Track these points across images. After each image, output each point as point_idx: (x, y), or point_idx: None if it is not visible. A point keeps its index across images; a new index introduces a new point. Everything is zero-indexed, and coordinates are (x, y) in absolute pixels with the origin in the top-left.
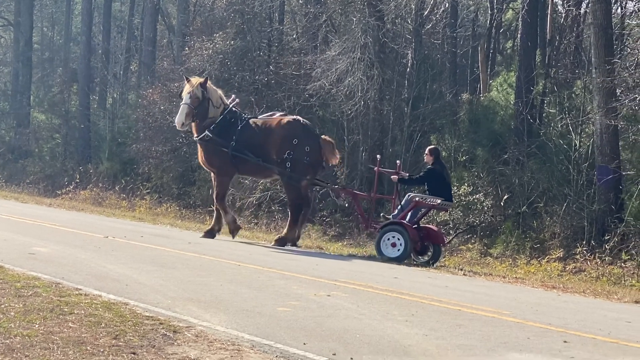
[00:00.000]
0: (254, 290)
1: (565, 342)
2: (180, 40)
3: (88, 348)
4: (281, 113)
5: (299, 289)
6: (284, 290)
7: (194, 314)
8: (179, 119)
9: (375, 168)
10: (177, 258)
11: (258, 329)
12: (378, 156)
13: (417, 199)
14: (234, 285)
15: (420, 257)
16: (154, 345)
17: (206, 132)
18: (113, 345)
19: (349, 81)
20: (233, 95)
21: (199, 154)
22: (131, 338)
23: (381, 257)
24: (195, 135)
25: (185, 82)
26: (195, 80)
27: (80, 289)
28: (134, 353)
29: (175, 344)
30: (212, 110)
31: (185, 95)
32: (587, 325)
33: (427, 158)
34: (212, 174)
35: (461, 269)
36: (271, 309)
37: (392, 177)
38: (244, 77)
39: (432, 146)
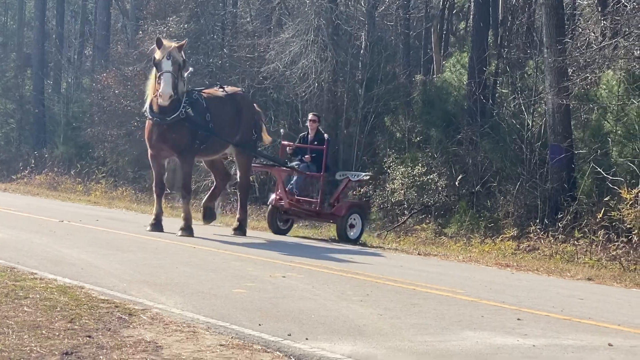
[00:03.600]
0: (209, 272)
1: (518, 319)
2: (134, 24)
3: (43, 332)
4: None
5: (255, 270)
6: (239, 272)
7: (149, 296)
8: (167, 90)
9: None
10: (133, 241)
11: (214, 310)
12: (282, 130)
13: (353, 177)
14: (189, 267)
15: (283, 227)
16: (110, 328)
17: (184, 110)
18: (68, 329)
19: (303, 63)
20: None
21: (155, 134)
22: (87, 321)
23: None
24: (153, 111)
25: (156, 45)
26: (169, 42)
27: (36, 273)
28: (89, 336)
29: (131, 326)
30: (182, 84)
31: (163, 60)
32: (541, 302)
33: (314, 125)
34: (158, 157)
35: (416, 249)
36: (227, 290)
37: (305, 157)
38: (198, 60)
39: (315, 112)
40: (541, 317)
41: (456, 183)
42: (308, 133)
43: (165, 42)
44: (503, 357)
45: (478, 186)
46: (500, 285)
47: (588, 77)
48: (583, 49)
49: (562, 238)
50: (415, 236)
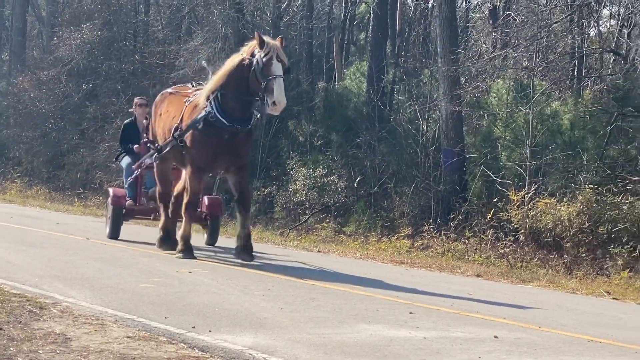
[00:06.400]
0: (118, 267)
1: (411, 313)
2: (49, 31)
3: None
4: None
5: (162, 266)
6: (147, 267)
7: (60, 290)
8: (284, 100)
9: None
10: (46, 238)
11: (122, 304)
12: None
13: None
14: (99, 263)
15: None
16: (21, 321)
17: (256, 113)
18: None
19: (211, 70)
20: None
21: (224, 144)
22: None
23: None
24: (227, 115)
25: (258, 44)
26: (269, 39)
27: None
28: (0, 329)
29: (41, 319)
30: None
31: (274, 62)
32: (433, 297)
33: (145, 110)
34: (207, 172)
35: (316, 247)
36: (134, 285)
37: (136, 147)
38: (110, 65)
39: (142, 97)
40: (432, 311)
41: (355, 184)
42: (135, 119)
43: (267, 38)
44: (395, 348)
45: (375, 187)
46: (395, 281)
47: (479, 85)
48: (475, 59)
49: (453, 237)
50: (316, 234)
